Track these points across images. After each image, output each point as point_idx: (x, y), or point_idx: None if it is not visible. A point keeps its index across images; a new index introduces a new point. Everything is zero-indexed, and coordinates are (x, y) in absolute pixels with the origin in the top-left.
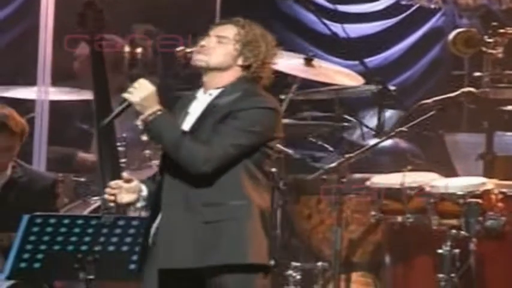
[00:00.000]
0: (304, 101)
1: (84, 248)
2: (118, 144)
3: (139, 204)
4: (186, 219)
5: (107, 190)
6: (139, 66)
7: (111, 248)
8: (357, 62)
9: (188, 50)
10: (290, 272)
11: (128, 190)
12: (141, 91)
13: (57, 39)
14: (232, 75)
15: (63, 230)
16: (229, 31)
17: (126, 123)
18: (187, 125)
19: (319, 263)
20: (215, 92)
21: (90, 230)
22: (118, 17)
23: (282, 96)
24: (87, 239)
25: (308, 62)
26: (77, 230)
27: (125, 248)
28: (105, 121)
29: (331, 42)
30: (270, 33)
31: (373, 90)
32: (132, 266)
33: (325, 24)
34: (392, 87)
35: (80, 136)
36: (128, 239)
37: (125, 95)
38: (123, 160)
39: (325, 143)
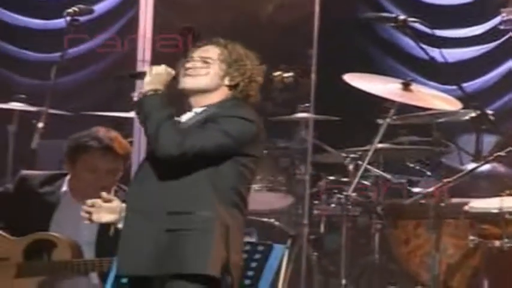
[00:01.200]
0: (402, 126)
1: None
2: None
3: (119, 225)
4: (148, 226)
5: (83, 207)
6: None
7: None
8: (454, 87)
9: (286, 74)
10: None
11: (108, 210)
12: (160, 70)
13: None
14: (219, 95)
15: None
16: (212, 52)
17: None
18: None
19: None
20: (200, 109)
21: None
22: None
23: (380, 121)
24: None
25: (406, 86)
26: None
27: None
28: (116, 75)
29: (428, 67)
30: (252, 52)
31: (471, 115)
32: (247, 281)
33: (422, 49)
34: (490, 112)
35: None
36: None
37: (148, 68)
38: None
39: (422, 168)
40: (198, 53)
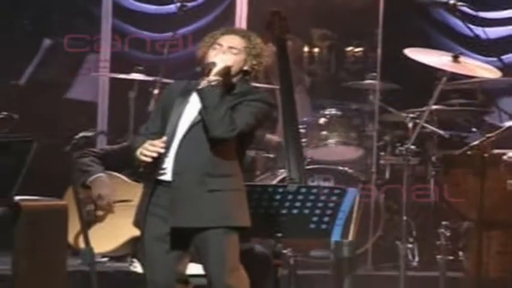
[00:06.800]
0: (452, 91)
1: (272, 211)
2: (300, 126)
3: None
4: (194, 187)
5: (150, 148)
6: (316, 62)
7: (294, 211)
8: (495, 59)
9: (356, 49)
10: (442, 230)
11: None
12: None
13: None
14: (236, 77)
15: (255, 196)
16: (237, 42)
17: (307, 110)
18: (189, 111)
19: (465, 223)
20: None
21: (277, 197)
22: (299, 23)
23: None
24: (275, 204)
25: (455, 58)
26: (266, 196)
27: (306, 211)
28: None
29: (474, 42)
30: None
31: (509, 82)
32: (312, 226)
33: (469, 28)
34: None
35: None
36: (309, 204)
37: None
38: (304, 140)
39: (469, 125)
40: (225, 41)
